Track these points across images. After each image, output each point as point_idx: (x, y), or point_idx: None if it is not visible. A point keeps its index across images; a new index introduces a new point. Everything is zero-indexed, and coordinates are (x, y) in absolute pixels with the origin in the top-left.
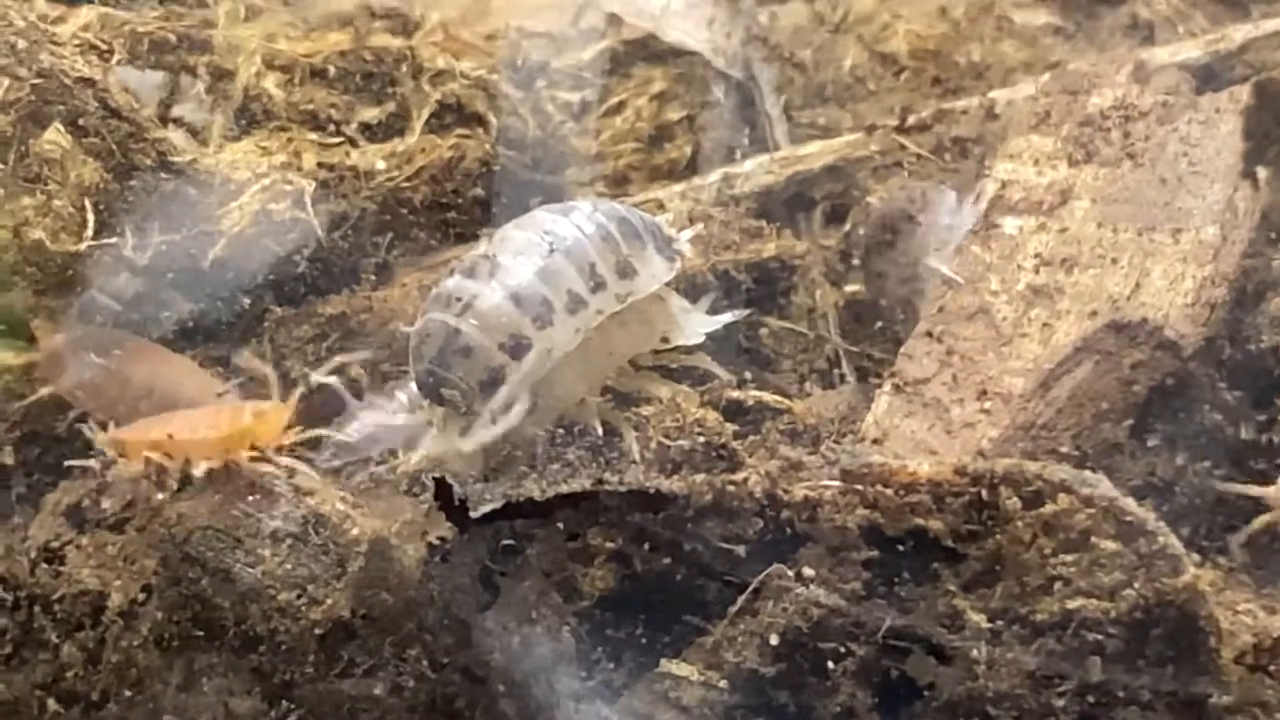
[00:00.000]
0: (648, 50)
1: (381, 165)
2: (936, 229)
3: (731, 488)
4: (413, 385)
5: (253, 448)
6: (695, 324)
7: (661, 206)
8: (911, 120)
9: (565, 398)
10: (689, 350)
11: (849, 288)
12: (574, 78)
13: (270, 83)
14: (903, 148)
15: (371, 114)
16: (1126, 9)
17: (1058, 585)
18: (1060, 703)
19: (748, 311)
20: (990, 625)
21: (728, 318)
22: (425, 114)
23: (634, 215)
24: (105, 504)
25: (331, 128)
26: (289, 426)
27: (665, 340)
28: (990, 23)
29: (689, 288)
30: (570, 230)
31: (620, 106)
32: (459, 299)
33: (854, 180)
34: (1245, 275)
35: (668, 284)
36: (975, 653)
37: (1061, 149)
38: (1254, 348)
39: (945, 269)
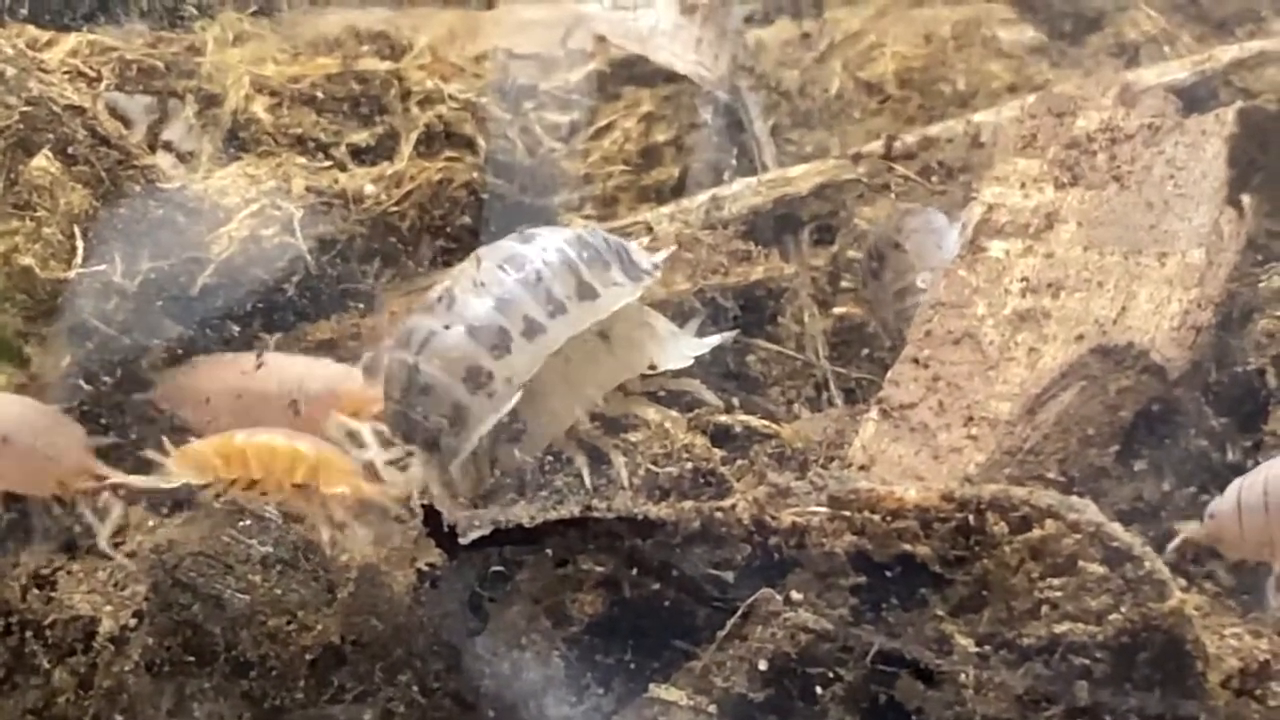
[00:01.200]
0: (636, 72)
1: (370, 189)
2: (923, 253)
3: (719, 514)
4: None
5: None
6: (683, 348)
7: (649, 229)
8: (897, 146)
9: (554, 424)
10: (677, 375)
11: (837, 310)
12: (562, 100)
13: (258, 107)
14: (890, 170)
15: (360, 138)
16: (1112, 31)
17: (1045, 609)
18: None
19: (735, 335)
20: (978, 649)
21: (715, 341)
22: (413, 137)
23: (598, 238)
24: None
25: (320, 152)
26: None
27: (653, 365)
28: (975, 45)
29: (676, 312)
30: (528, 257)
31: (608, 128)
32: (416, 337)
33: (841, 203)
34: (1231, 299)
35: (650, 305)
36: (963, 677)
37: (1048, 172)
38: (1240, 371)
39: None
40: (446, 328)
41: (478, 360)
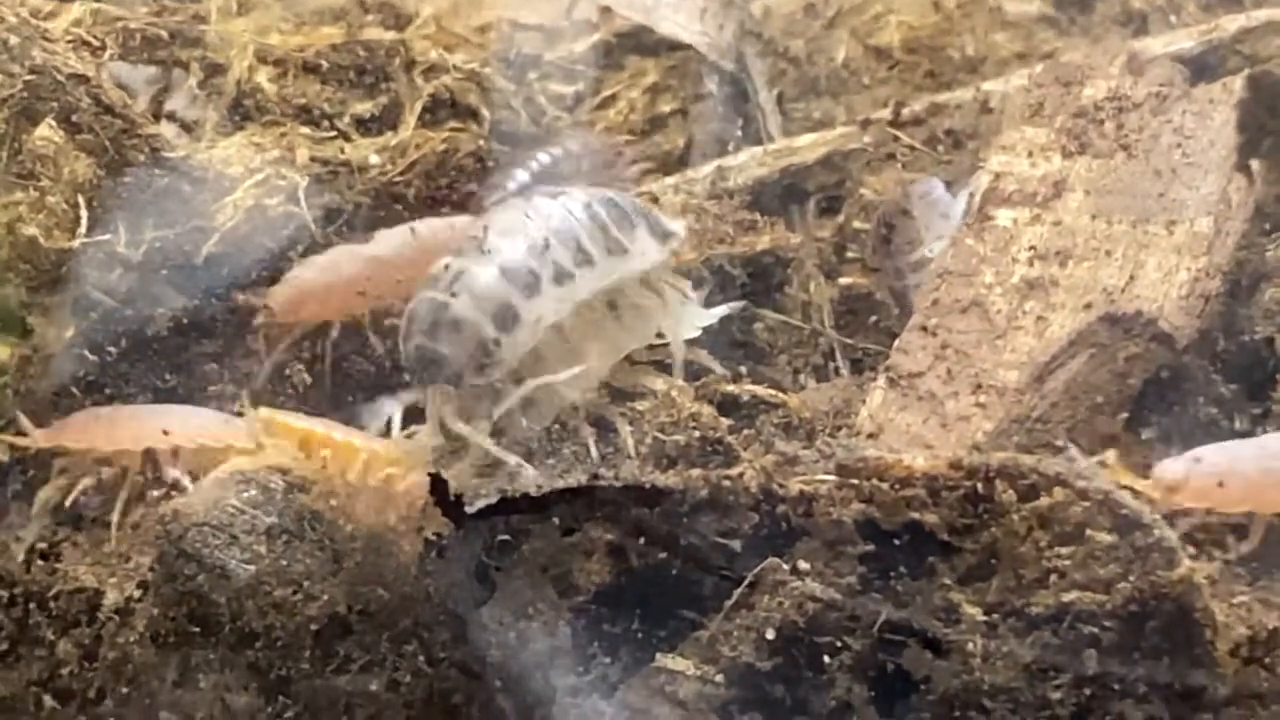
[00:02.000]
0: (640, 43)
1: (375, 159)
2: (931, 222)
3: (727, 482)
4: None
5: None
6: (690, 318)
7: (655, 199)
8: (905, 113)
9: (563, 393)
10: (684, 344)
11: (843, 280)
12: (566, 70)
13: (263, 77)
14: (896, 139)
15: (364, 108)
16: (1119, 0)
17: (1053, 578)
18: (1056, 695)
19: (742, 305)
20: (986, 618)
21: (722, 311)
22: (418, 107)
23: (625, 200)
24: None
25: (324, 122)
26: None
27: (660, 335)
28: (983, 14)
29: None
30: (557, 209)
31: (613, 99)
32: (448, 276)
33: (848, 172)
34: (1239, 267)
35: (665, 275)
36: (971, 646)
37: (1055, 140)
38: (1248, 339)
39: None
40: (479, 267)
41: (508, 299)
